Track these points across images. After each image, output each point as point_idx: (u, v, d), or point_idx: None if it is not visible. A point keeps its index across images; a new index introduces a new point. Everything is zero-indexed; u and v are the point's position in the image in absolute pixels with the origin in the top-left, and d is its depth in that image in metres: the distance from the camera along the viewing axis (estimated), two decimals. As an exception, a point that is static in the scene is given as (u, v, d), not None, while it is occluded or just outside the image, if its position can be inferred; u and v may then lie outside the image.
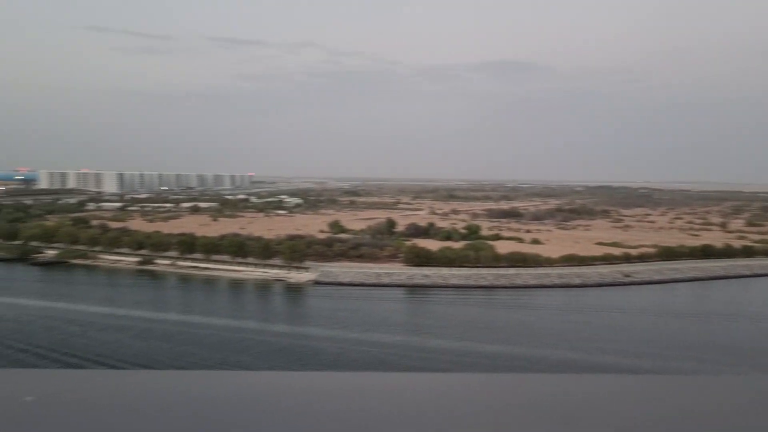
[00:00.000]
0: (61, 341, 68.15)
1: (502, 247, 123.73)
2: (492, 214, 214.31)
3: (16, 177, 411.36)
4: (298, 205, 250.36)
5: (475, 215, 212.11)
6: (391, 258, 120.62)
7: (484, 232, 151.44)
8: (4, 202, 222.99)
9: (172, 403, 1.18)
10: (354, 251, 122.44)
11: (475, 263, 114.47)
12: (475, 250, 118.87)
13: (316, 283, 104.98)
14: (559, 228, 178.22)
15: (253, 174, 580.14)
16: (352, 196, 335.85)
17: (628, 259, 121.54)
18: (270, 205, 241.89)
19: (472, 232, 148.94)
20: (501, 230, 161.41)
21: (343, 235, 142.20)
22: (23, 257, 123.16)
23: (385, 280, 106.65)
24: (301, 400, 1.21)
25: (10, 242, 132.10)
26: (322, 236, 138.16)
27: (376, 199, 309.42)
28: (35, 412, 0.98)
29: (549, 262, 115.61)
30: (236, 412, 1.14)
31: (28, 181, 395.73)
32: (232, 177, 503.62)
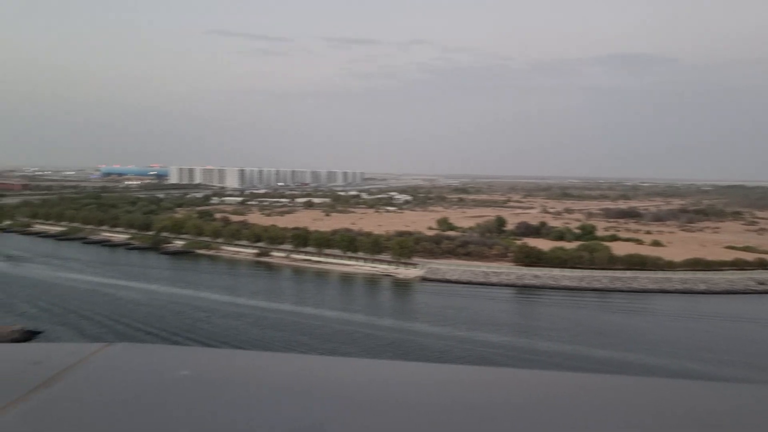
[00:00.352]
0: (189, 325, 73.43)
1: (619, 249, 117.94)
2: (608, 214, 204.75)
3: (150, 173, 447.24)
4: (407, 202, 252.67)
5: (590, 215, 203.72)
6: (500, 257, 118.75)
7: (600, 233, 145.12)
8: (140, 196, 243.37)
9: (312, 386, 1.18)
10: (462, 249, 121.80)
11: (589, 265, 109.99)
12: (589, 251, 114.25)
13: (424, 279, 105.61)
14: (683, 230, 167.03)
15: (364, 171, 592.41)
16: (462, 193, 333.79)
17: (763, 265, 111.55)
18: (380, 202, 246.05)
19: (587, 232, 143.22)
20: (618, 231, 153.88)
21: (451, 233, 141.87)
22: (155, 246, 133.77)
23: (494, 279, 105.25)
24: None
25: (144, 232, 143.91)
26: (430, 233, 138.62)
27: (485, 197, 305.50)
28: (189, 385, 1.05)
29: (670, 266, 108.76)
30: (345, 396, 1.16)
31: (161, 176, 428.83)
32: (345, 174, 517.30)
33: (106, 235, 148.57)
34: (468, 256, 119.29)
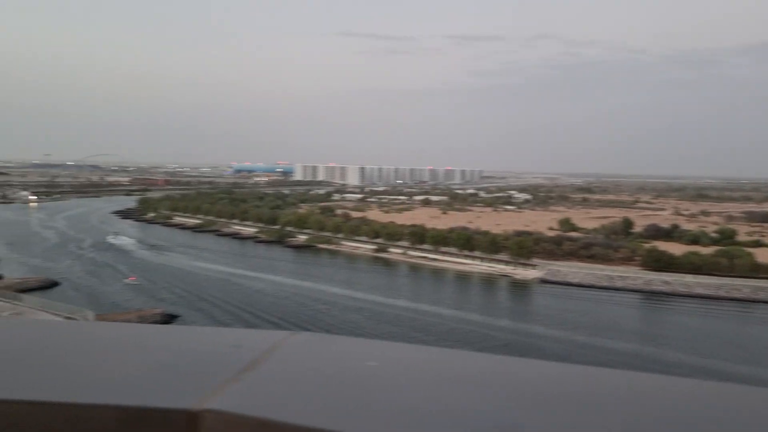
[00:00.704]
0: (310, 316, 76.53)
1: (765, 256, 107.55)
2: (752, 217, 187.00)
3: (277, 170, 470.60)
4: (527, 201, 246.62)
5: (730, 218, 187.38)
6: (626, 260, 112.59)
7: (742, 237, 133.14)
8: (267, 192, 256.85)
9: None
10: (584, 251, 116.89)
11: (728, 272, 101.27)
12: (728, 257, 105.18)
13: (543, 281, 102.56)
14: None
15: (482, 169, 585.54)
16: (585, 193, 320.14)
17: None
18: (498, 200, 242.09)
19: (726, 237, 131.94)
20: (763, 236, 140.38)
21: (573, 234, 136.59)
22: (280, 240, 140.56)
23: (618, 283, 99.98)
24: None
25: (270, 226, 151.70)
26: (550, 233, 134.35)
27: (611, 197, 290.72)
28: (379, 375, 1.05)
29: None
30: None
31: (286, 173, 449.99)
32: (463, 172, 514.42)
33: (237, 228, 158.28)
34: (591, 258, 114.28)
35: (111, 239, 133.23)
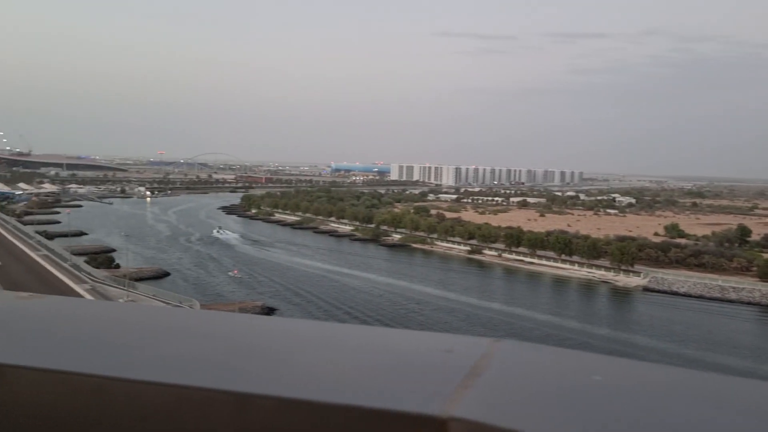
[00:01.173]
0: (403, 315, 76.97)
1: None
2: None
3: (374, 169, 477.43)
4: (630, 205, 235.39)
5: None
6: (741, 270, 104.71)
7: None
8: (363, 191, 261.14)
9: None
10: (693, 259, 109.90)
11: None
12: None
13: (646, 289, 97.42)
14: None
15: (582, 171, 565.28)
16: (696, 197, 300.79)
17: None
18: (600, 204, 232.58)
19: None
20: None
21: (681, 240, 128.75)
22: (375, 239, 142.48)
23: (732, 295, 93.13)
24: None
25: (366, 225, 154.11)
26: (656, 240, 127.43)
27: (725, 202, 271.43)
28: (608, 391, 1.01)
29: None
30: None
31: (382, 173, 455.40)
32: (562, 173, 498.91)
33: (334, 226, 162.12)
34: (701, 267, 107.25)
35: (216, 233, 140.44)
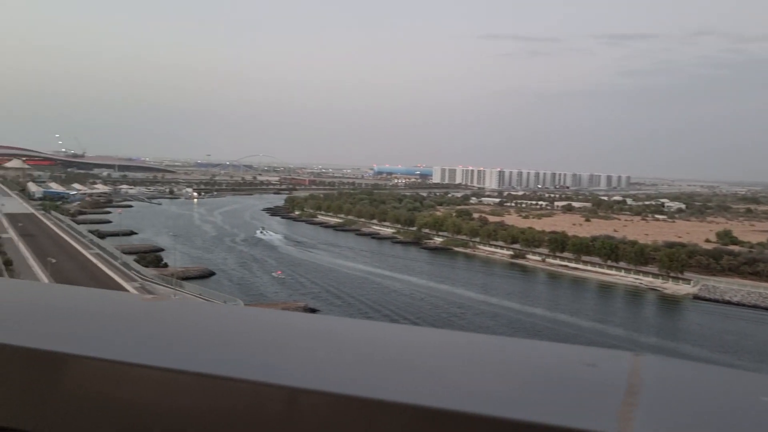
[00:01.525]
0: (444, 319, 76.58)
1: None
2: None
3: (416, 172, 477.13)
4: (680, 210, 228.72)
5: None
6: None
7: None
8: (405, 194, 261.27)
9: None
10: (748, 267, 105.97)
11: None
12: None
13: (696, 297, 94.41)
14: None
15: (629, 175, 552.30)
16: (751, 203, 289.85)
17: None
18: (648, 209, 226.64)
19: None
20: None
21: (734, 248, 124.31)
22: (417, 241, 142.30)
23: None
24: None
25: (407, 228, 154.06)
26: (707, 246, 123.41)
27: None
28: None
29: None
30: None
31: (425, 175, 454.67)
32: (608, 177, 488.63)
33: (375, 228, 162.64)
34: (756, 275, 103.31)
35: (259, 234, 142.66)
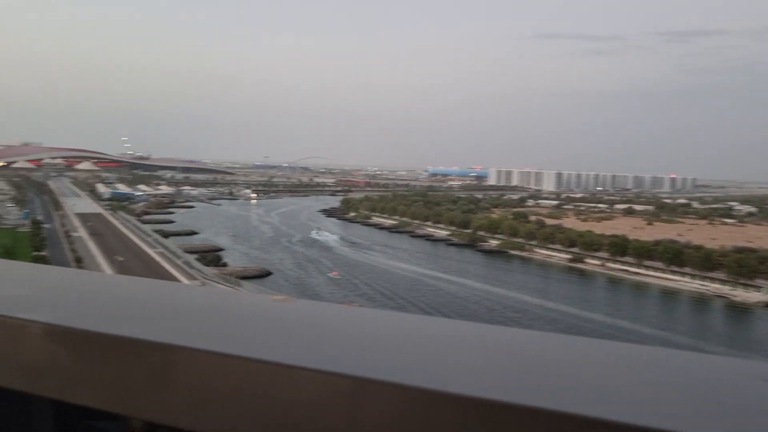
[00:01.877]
0: (501, 324, 75.62)
1: None
2: None
3: (471, 174, 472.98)
4: (750, 214, 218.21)
5: None
6: None
7: None
8: (460, 195, 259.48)
9: None
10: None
11: None
12: None
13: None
14: None
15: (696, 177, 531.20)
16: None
17: None
18: (715, 212, 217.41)
19: None
20: None
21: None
22: (471, 244, 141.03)
23: None
24: None
25: (462, 230, 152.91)
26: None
27: None
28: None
29: None
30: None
31: (480, 177, 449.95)
32: (672, 179, 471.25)
33: (430, 230, 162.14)
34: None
35: (315, 235, 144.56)
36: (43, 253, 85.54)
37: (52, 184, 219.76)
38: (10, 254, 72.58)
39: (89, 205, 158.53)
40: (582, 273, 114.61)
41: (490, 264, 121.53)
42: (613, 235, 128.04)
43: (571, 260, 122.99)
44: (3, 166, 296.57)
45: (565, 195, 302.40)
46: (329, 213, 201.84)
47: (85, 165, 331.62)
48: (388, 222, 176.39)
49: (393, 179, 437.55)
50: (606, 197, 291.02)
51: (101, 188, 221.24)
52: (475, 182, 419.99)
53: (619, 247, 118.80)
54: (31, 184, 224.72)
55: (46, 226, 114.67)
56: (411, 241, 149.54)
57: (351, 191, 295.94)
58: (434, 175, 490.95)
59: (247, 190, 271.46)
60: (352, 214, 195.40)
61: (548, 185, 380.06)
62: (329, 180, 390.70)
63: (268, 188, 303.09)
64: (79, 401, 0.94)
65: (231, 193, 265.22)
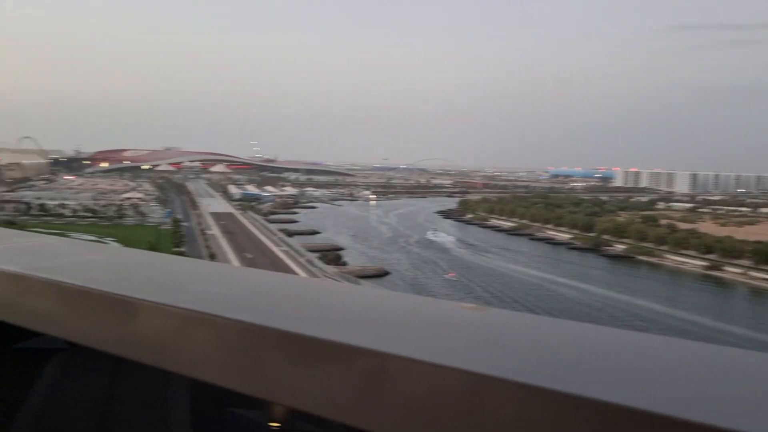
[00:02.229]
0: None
1: None
2: None
3: (596, 175, 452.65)
4: None
5: None
6: None
7: None
8: (583, 197, 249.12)
9: None
10: None
11: None
12: None
13: None
14: None
15: None
16: None
17: None
18: None
19: None
20: None
21: None
22: (595, 248, 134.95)
23: None
24: None
25: (585, 233, 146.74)
26: None
27: None
28: None
29: None
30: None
31: (605, 179, 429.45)
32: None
33: (550, 233, 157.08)
34: None
35: (431, 236, 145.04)
36: (182, 249, 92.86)
37: (190, 186, 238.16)
38: (154, 249, 79.67)
39: (222, 205, 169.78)
40: (719, 282, 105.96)
41: (615, 270, 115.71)
42: (758, 242, 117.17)
43: (707, 268, 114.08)
44: (148, 168, 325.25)
45: (700, 197, 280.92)
46: (446, 214, 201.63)
47: (218, 168, 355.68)
48: (507, 224, 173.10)
49: (512, 180, 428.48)
50: (749, 200, 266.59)
51: (233, 189, 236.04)
52: (599, 184, 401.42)
53: (764, 255, 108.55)
54: (172, 186, 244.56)
55: (184, 224, 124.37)
56: (530, 244, 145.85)
57: (468, 193, 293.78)
58: (556, 176, 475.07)
59: (367, 192, 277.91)
60: (470, 215, 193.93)
61: (681, 187, 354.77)
62: (446, 181, 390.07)
63: (386, 190, 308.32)
64: (293, 405, 0.97)
65: (351, 195, 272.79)
